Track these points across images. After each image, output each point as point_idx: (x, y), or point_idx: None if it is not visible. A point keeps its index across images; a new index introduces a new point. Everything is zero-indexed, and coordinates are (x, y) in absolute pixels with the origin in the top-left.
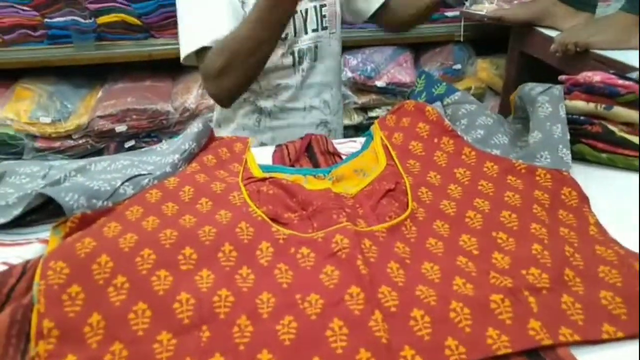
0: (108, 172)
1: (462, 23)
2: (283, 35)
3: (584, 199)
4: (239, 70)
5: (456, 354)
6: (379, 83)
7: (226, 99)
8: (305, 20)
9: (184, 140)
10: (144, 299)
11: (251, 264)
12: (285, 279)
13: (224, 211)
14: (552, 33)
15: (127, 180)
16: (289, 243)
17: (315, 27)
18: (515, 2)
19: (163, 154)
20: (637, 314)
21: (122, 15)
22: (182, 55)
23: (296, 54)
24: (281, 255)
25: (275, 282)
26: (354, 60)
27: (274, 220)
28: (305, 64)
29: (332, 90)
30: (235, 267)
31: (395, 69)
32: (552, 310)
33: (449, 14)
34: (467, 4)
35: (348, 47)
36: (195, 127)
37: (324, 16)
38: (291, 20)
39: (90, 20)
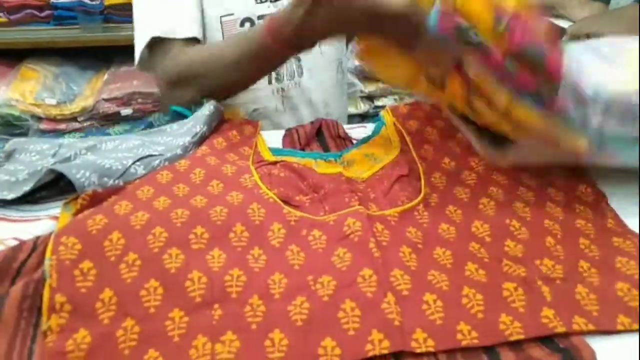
0: (119, 150)
1: None
2: None
3: (601, 196)
4: (197, 89)
5: (468, 339)
6: None
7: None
8: None
9: (195, 123)
10: (156, 276)
11: (263, 245)
12: (297, 260)
13: (235, 192)
14: (564, 23)
15: (138, 160)
16: (301, 225)
17: None
18: None
19: (174, 135)
20: None
21: None
22: (136, 59)
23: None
24: (293, 236)
25: (287, 263)
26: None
27: (285, 202)
28: (286, 82)
29: (327, 108)
30: (247, 247)
31: None
32: (566, 300)
33: None
34: None
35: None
36: (206, 109)
37: None
38: None
39: (97, 2)
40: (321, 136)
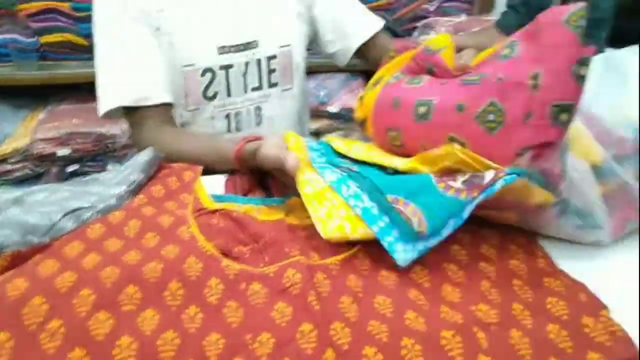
0: (46, 204)
1: None
2: (210, 94)
3: (531, 235)
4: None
5: None
6: (332, 109)
7: None
8: (245, 76)
9: (132, 171)
10: (81, 344)
11: (199, 303)
12: (235, 317)
13: (171, 246)
14: None
15: (67, 214)
16: (240, 278)
17: (257, 84)
18: (461, 33)
19: (108, 184)
20: (583, 347)
21: (68, 35)
22: (101, 110)
23: (232, 118)
24: (231, 291)
25: (224, 321)
26: (303, 95)
27: (224, 254)
28: (245, 131)
29: None
30: (182, 306)
31: (348, 95)
32: (500, 345)
33: None
34: (415, 34)
35: None
36: (144, 155)
37: (273, 70)
38: (223, 77)
39: (33, 39)
40: (265, 180)
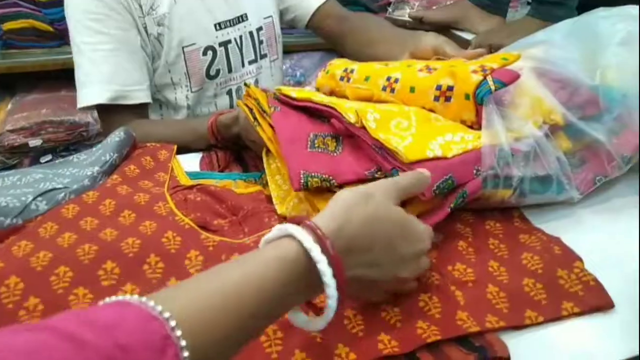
0: (18, 186)
1: None
2: (212, 73)
3: None
4: None
5: (389, 347)
6: (309, 87)
7: None
8: (241, 50)
9: (104, 151)
10: None
11: (180, 274)
12: None
13: (148, 222)
14: (467, 36)
15: (39, 195)
16: (220, 249)
17: (252, 57)
18: (434, 7)
19: (81, 166)
20: (557, 298)
21: (32, 21)
22: (79, 104)
23: (234, 94)
24: (212, 262)
25: None
26: (283, 65)
27: (203, 227)
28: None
29: None
30: (162, 279)
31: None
32: (478, 301)
33: None
34: (389, 9)
35: None
36: (116, 135)
37: (262, 42)
38: (223, 54)
39: None
40: (241, 156)
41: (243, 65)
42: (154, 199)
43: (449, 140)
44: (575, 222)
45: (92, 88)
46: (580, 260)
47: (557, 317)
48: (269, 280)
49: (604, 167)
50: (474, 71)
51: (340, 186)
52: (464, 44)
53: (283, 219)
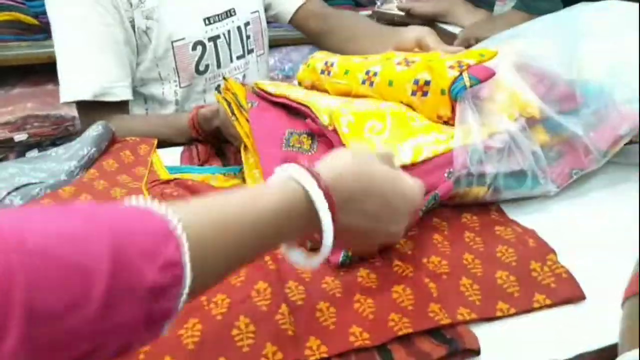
0: None
1: (375, 21)
2: (202, 68)
3: None
4: None
5: (360, 340)
6: (295, 82)
7: None
8: (229, 46)
9: (82, 145)
10: None
11: None
12: None
13: None
14: (454, 29)
15: (14, 190)
16: None
17: (240, 52)
18: (422, 0)
19: (59, 160)
20: (529, 290)
21: (16, 14)
22: (62, 99)
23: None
24: None
25: None
26: (271, 59)
27: None
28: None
29: None
30: None
31: None
32: (451, 293)
33: (362, 13)
34: (378, 3)
35: None
36: (94, 130)
37: (249, 37)
38: (212, 49)
39: None
40: (222, 150)
41: (232, 60)
42: (131, 194)
43: (421, 142)
44: (551, 215)
45: (75, 83)
46: (554, 252)
47: (528, 309)
48: (268, 209)
49: (580, 160)
50: (451, 67)
51: None
52: (450, 37)
53: None
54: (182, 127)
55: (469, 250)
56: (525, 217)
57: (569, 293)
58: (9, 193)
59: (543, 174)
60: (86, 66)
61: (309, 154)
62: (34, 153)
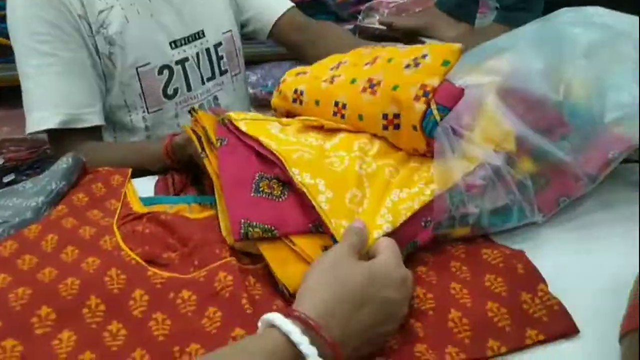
0: None
1: (357, 36)
2: (170, 92)
3: None
4: None
5: None
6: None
7: None
8: (199, 68)
9: (51, 179)
10: None
11: (122, 318)
12: (162, 330)
13: (92, 258)
14: (435, 43)
15: None
16: (168, 287)
17: (210, 75)
18: (403, 15)
19: (25, 196)
20: (521, 325)
21: None
22: (29, 130)
23: (193, 112)
24: (158, 302)
25: (150, 335)
26: (253, 76)
27: (151, 262)
28: None
29: None
30: (103, 323)
31: None
32: (438, 331)
33: (344, 27)
34: (360, 17)
35: (246, 63)
36: (63, 162)
37: (221, 57)
38: (180, 72)
39: None
40: (198, 178)
41: (203, 82)
42: (101, 232)
43: (395, 200)
44: (541, 241)
45: (42, 112)
46: (544, 282)
47: (521, 347)
48: None
49: (568, 187)
50: (416, 97)
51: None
52: None
53: (233, 250)
54: (157, 155)
55: (456, 279)
56: (513, 244)
57: (561, 327)
58: None
59: (530, 206)
60: (53, 93)
61: (279, 200)
62: (10, 177)
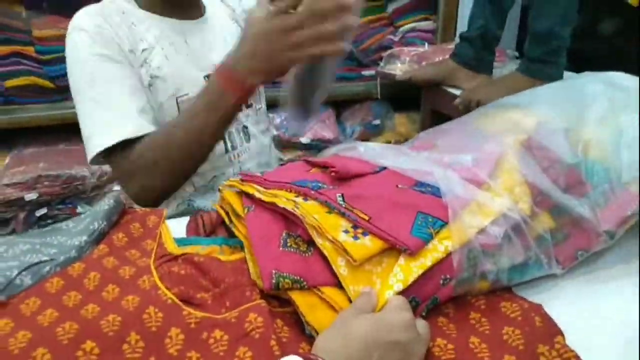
0: (4, 259)
1: (379, 81)
2: None
3: None
4: (168, 172)
5: None
6: (304, 139)
7: (150, 201)
8: None
9: (93, 219)
10: None
11: (159, 355)
12: None
13: (131, 296)
14: (457, 91)
15: (25, 269)
16: (201, 327)
17: None
18: (424, 63)
19: (69, 234)
20: None
21: (34, 78)
22: (89, 157)
23: (227, 139)
24: (192, 341)
25: None
26: (278, 118)
27: (186, 302)
28: (239, 149)
29: (269, 169)
30: (141, 359)
31: (319, 125)
32: None
33: (366, 73)
34: (381, 64)
35: (272, 105)
36: (105, 203)
37: None
38: None
39: None
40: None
41: None
42: (139, 272)
43: (407, 258)
44: (558, 292)
45: (102, 133)
46: (562, 334)
47: None
48: None
49: (587, 241)
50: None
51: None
52: (453, 99)
53: (262, 293)
54: (214, 89)
55: (475, 333)
56: (532, 296)
57: None
58: (20, 272)
59: (548, 259)
60: (109, 116)
61: (306, 255)
62: (43, 211)
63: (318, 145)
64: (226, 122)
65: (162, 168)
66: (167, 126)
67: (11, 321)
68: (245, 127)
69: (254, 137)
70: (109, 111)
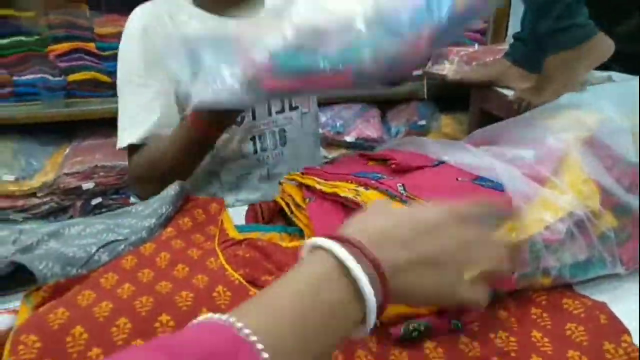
0: (82, 237)
1: (425, 82)
2: (238, 119)
3: None
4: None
5: None
6: (349, 138)
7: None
8: (267, 101)
9: (161, 204)
10: None
11: None
12: None
13: (201, 275)
14: (508, 91)
15: (102, 247)
16: None
17: (279, 108)
18: (474, 63)
19: (139, 217)
20: None
21: (94, 73)
22: (118, 146)
23: (257, 140)
24: None
25: None
26: (323, 116)
27: (251, 283)
28: (270, 152)
29: None
30: None
31: (364, 124)
32: None
33: (413, 73)
34: (429, 64)
35: (318, 104)
36: (172, 189)
37: None
38: None
39: (60, 78)
40: (284, 212)
41: (270, 114)
42: (206, 254)
43: None
44: (623, 292)
45: (130, 130)
46: (628, 333)
47: None
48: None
49: None
50: None
51: None
52: (504, 100)
53: None
54: (185, 127)
55: (537, 327)
56: (596, 293)
57: None
58: (98, 249)
59: (611, 257)
60: (139, 115)
61: None
62: (97, 200)
63: (362, 144)
64: (202, 150)
65: (148, 180)
66: (163, 144)
67: (93, 293)
68: (283, 130)
69: (291, 142)
70: (129, 114)
